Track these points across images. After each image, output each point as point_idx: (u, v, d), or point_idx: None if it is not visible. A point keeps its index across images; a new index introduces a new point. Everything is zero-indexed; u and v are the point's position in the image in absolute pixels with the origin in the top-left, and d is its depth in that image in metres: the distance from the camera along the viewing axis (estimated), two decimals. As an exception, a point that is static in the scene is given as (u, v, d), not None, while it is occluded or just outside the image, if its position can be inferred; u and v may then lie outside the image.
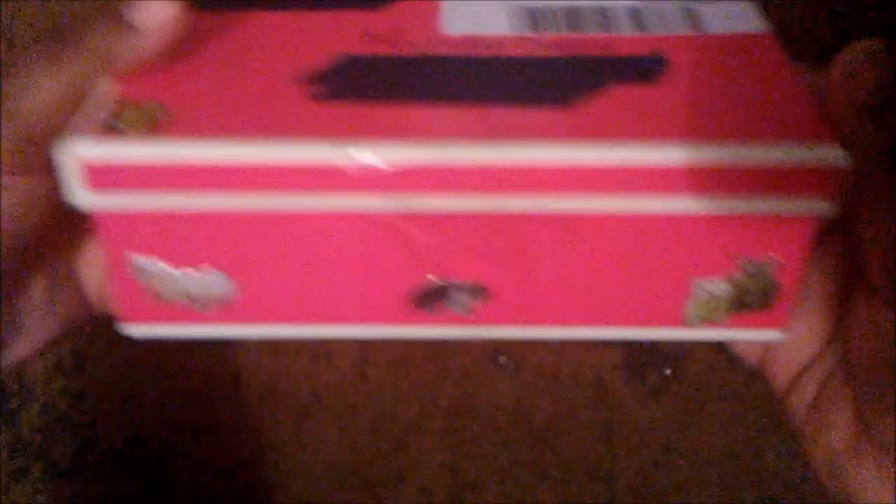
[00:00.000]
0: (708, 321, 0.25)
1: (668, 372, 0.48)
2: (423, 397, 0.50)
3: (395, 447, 0.51)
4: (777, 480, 0.51)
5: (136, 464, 0.51)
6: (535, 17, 0.27)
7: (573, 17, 0.27)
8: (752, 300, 0.25)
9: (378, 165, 0.22)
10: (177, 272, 0.24)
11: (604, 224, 0.23)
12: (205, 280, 0.24)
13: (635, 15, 0.27)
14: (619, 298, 0.25)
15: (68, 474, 0.51)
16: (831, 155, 0.22)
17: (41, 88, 0.23)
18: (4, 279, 0.25)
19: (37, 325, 0.27)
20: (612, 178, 0.22)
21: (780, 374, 0.28)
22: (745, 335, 0.26)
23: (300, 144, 0.22)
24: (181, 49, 0.25)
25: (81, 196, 0.22)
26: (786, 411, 0.28)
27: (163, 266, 0.24)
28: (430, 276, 0.24)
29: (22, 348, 0.26)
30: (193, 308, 0.25)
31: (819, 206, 0.22)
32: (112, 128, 0.22)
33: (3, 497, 0.50)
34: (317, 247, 0.24)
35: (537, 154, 0.22)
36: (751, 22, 0.27)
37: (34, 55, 0.23)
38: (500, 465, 0.51)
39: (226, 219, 0.23)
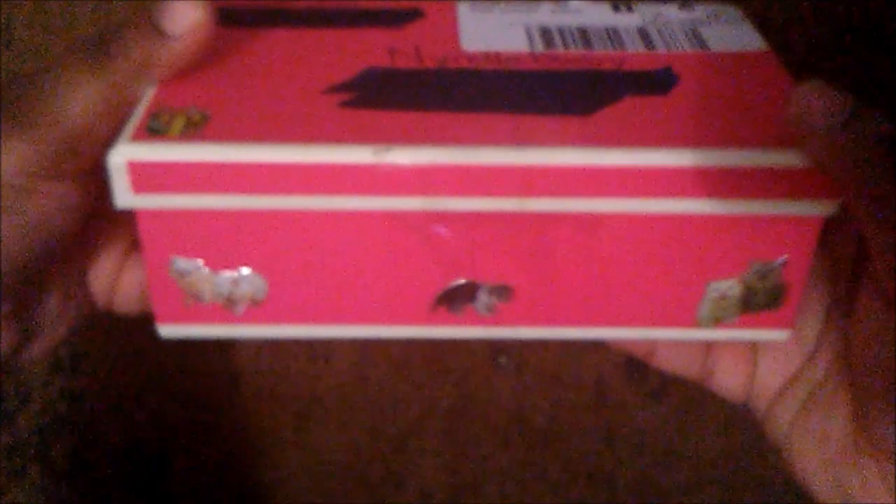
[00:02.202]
0: (719, 322, 0.26)
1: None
2: (423, 398, 0.50)
3: (395, 448, 0.51)
4: (778, 482, 0.51)
5: (136, 464, 0.51)
6: (549, 35, 0.29)
7: (585, 36, 0.29)
8: (761, 300, 0.26)
9: (408, 167, 0.23)
10: (215, 273, 0.25)
11: (624, 225, 0.25)
12: (240, 281, 0.25)
13: (643, 34, 0.29)
14: (636, 299, 0.26)
15: (67, 475, 0.51)
16: None
17: (82, 97, 0.23)
18: (27, 284, 0.25)
19: (48, 329, 0.27)
20: (632, 181, 0.23)
21: (767, 388, 0.28)
22: (754, 335, 0.27)
23: (333, 147, 0.23)
24: (216, 57, 0.26)
25: (127, 198, 0.23)
26: (766, 426, 0.28)
27: (202, 267, 0.25)
28: (458, 278, 0.25)
29: (31, 352, 0.26)
30: (227, 309, 0.26)
31: (822, 206, 0.24)
32: (155, 131, 0.23)
33: (1, 497, 0.50)
34: (347, 247, 0.25)
35: (561, 157, 0.23)
36: (751, 41, 0.29)
37: (75, 63, 0.24)
38: (500, 466, 0.51)
39: (262, 220, 0.24)
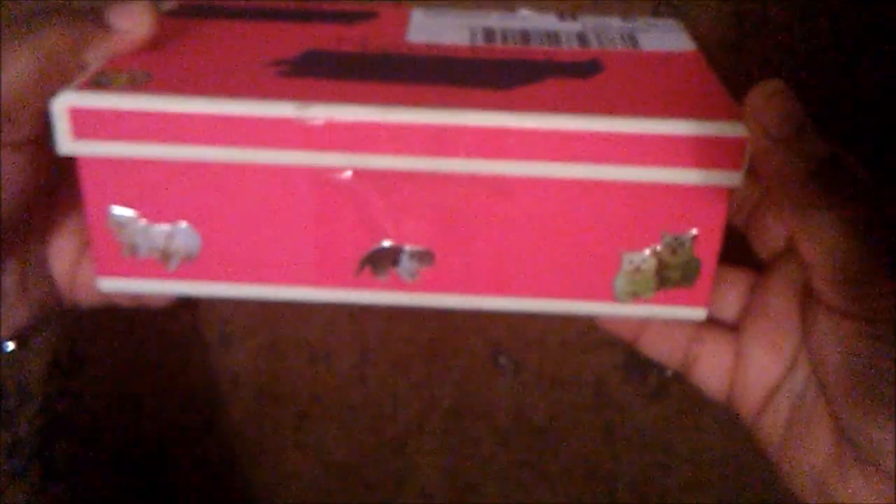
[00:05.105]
0: (636, 296, 0.27)
1: (669, 373, 0.48)
2: (423, 398, 0.50)
3: (395, 448, 0.51)
4: (778, 482, 0.51)
5: (136, 464, 0.51)
6: (491, 34, 0.31)
7: (525, 36, 0.31)
8: (675, 275, 0.27)
9: (328, 123, 0.24)
10: (151, 225, 0.26)
11: (535, 191, 0.26)
12: (175, 234, 0.26)
13: (581, 36, 0.31)
14: (552, 269, 0.27)
15: (67, 475, 0.51)
16: (732, 128, 0.24)
17: (17, 66, 0.24)
18: None
19: (8, 313, 0.27)
20: (541, 145, 0.25)
21: (749, 399, 0.28)
22: (671, 312, 0.27)
23: (259, 102, 0.25)
24: (172, 39, 0.28)
25: (67, 144, 0.25)
26: (756, 437, 0.28)
27: (138, 220, 0.26)
28: (383, 241, 0.26)
29: None
30: (162, 264, 0.27)
31: (726, 177, 0.25)
32: (99, 84, 0.25)
33: (1, 497, 0.50)
34: (275, 205, 0.26)
35: (472, 118, 0.24)
36: (683, 43, 0.31)
37: (9, 36, 0.25)
38: (500, 466, 0.51)
39: (194, 173, 0.26)
